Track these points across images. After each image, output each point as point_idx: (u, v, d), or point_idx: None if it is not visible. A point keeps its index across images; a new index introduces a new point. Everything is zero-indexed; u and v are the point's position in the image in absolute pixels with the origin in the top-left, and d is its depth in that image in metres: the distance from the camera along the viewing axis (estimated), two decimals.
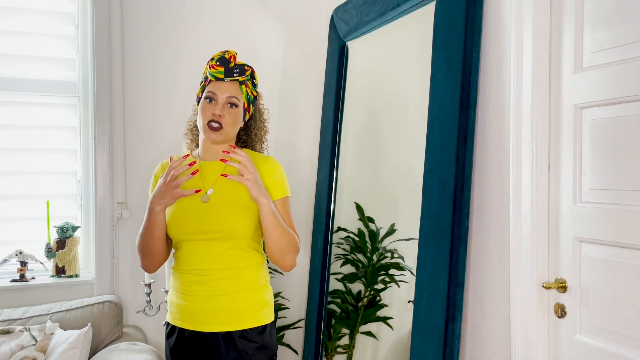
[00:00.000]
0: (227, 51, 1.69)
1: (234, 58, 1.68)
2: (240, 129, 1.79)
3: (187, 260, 1.67)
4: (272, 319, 1.73)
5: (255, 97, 1.76)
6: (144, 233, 1.67)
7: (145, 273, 2.36)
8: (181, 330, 1.69)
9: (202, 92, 1.70)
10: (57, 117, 2.61)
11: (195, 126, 1.80)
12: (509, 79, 1.67)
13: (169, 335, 1.73)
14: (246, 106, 1.72)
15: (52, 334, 2.16)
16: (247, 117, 1.76)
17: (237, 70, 1.67)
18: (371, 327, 2.58)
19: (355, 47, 2.69)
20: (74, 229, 2.54)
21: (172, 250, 1.77)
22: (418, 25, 2.16)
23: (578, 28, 1.49)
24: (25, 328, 2.17)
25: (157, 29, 2.68)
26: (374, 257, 2.50)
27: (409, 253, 2.32)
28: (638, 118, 1.33)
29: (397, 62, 2.51)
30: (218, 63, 1.66)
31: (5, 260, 2.44)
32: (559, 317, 1.55)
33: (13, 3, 2.54)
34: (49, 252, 2.50)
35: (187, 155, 1.68)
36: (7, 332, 2.14)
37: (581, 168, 1.48)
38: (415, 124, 2.23)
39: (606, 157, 1.41)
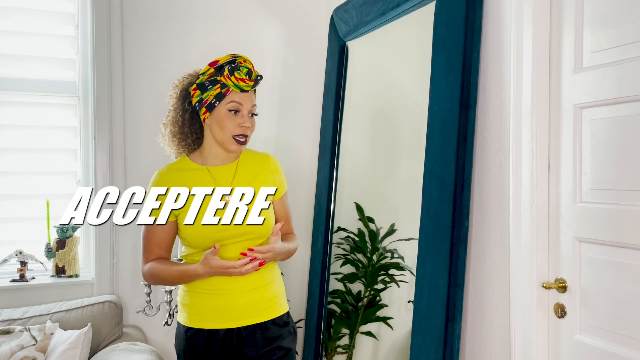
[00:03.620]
0: (240, 57, 1.65)
1: (253, 67, 1.67)
2: None
3: None
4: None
5: None
6: (172, 282, 1.71)
7: None
8: (211, 331, 1.67)
9: (217, 99, 1.63)
10: (57, 117, 2.61)
11: (185, 126, 1.70)
12: (509, 79, 1.67)
13: (190, 340, 1.68)
14: None
15: (52, 334, 2.16)
16: None
17: (259, 79, 1.67)
18: (371, 327, 2.58)
19: (355, 47, 2.69)
20: (74, 228, 2.54)
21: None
22: (418, 25, 2.16)
23: (578, 28, 1.49)
24: (25, 328, 2.17)
25: (157, 29, 2.67)
26: (374, 257, 2.50)
27: (409, 253, 2.32)
28: (638, 118, 1.33)
29: (397, 62, 2.51)
30: (248, 77, 1.63)
31: (5, 260, 2.44)
32: (559, 317, 1.55)
33: (13, 3, 2.53)
34: (49, 252, 2.50)
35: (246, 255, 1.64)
36: (7, 332, 2.15)
37: (581, 168, 1.48)
38: (415, 124, 2.23)
39: (606, 157, 1.41)
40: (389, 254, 2.45)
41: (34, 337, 2.13)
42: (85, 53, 2.60)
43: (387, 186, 2.59)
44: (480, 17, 1.78)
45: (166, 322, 2.38)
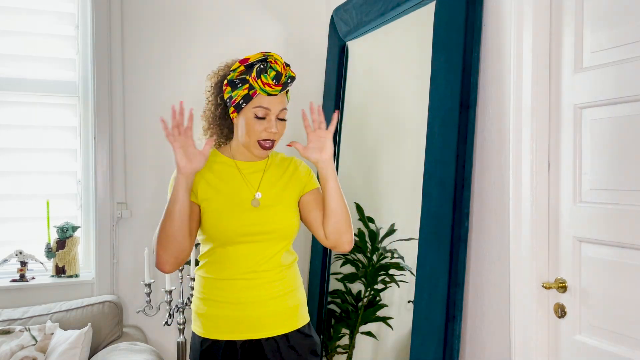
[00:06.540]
0: (272, 56, 1.55)
1: (284, 68, 1.55)
2: None
3: (235, 264, 1.57)
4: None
5: None
6: (166, 222, 1.49)
7: (145, 273, 2.36)
8: (228, 343, 1.57)
9: (244, 100, 1.55)
10: (57, 117, 2.61)
11: (217, 120, 1.64)
12: (509, 79, 1.67)
13: (206, 352, 1.58)
14: None
15: (52, 334, 2.16)
16: None
17: (290, 81, 1.57)
18: (371, 327, 2.57)
19: (355, 47, 2.69)
20: (74, 229, 2.54)
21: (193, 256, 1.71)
22: (418, 25, 2.16)
23: (578, 28, 1.49)
24: (25, 328, 2.17)
25: (157, 29, 2.68)
26: (374, 257, 2.50)
27: (409, 253, 2.32)
28: (638, 118, 1.33)
29: (397, 62, 2.51)
30: (275, 82, 1.53)
31: (5, 260, 2.44)
32: (559, 317, 1.55)
33: (13, 3, 2.54)
34: (49, 252, 2.50)
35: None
36: (7, 332, 2.15)
37: (581, 168, 1.48)
38: (415, 124, 2.23)
39: (606, 157, 1.41)
40: (389, 254, 2.45)
41: (34, 337, 2.13)
42: (85, 53, 2.60)
43: (387, 186, 2.59)
44: (480, 17, 1.78)
45: (166, 322, 2.38)
